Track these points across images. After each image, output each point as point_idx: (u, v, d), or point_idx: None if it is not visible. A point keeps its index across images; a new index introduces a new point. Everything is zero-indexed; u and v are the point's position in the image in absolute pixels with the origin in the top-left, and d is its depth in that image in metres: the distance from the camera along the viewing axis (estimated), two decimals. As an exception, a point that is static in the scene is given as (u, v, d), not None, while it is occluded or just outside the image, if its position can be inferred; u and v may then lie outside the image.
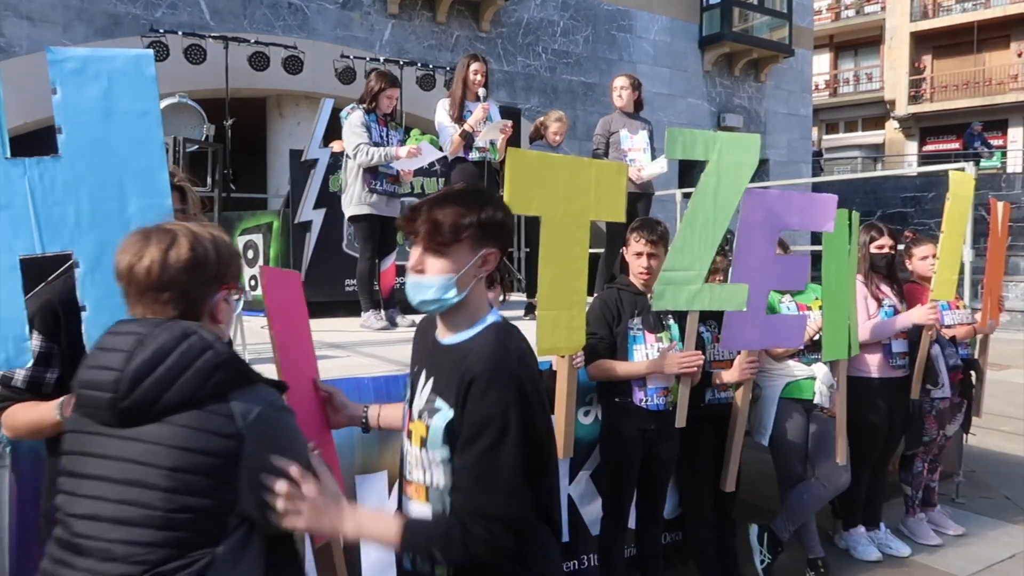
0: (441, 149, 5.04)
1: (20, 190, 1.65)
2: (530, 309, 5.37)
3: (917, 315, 3.84)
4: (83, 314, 1.74)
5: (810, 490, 3.69)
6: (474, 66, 5.04)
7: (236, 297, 1.54)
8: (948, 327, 4.19)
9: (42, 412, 1.82)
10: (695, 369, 3.07)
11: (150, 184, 1.82)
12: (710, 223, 3.01)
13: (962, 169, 5.29)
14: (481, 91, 5.02)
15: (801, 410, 3.72)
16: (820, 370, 3.64)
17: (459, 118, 5.00)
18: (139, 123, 1.80)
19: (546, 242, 2.72)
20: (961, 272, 5.06)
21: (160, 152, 1.84)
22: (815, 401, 3.65)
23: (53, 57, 1.69)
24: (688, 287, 2.99)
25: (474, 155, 5.04)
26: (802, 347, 3.60)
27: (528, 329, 2.80)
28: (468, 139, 4.96)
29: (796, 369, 3.72)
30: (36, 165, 1.69)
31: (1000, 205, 4.43)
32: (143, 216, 1.80)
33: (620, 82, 5.54)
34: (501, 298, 2.80)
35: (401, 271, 5.83)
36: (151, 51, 1.85)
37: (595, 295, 3.63)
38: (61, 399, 1.80)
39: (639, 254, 3.23)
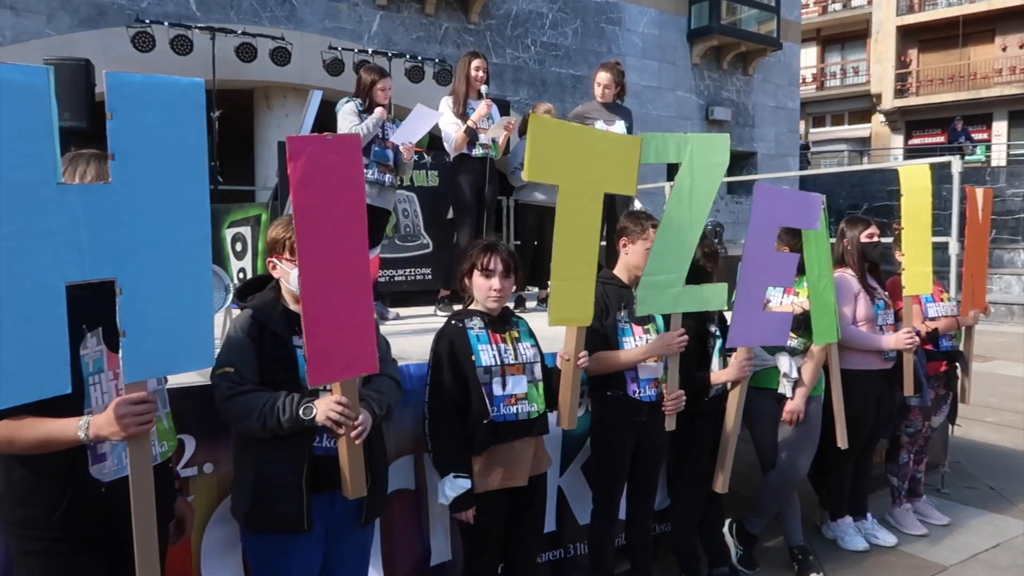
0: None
1: (69, 217, 1.62)
2: (545, 301, 5.48)
3: (895, 341, 3.86)
4: (122, 340, 1.74)
5: (769, 483, 3.72)
6: (475, 63, 5.10)
7: (286, 264, 2.30)
8: (932, 319, 4.22)
9: (55, 429, 1.77)
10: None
11: (194, 213, 1.82)
12: (687, 225, 3.01)
13: (948, 163, 5.34)
14: (483, 88, 5.07)
15: (773, 399, 3.71)
16: (783, 361, 3.64)
17: (462, 115, 5.04)
18: (187, 152, 1.79)
19: (563, 211, 2.70)
20: (947, 265, 5.13)
21: (204, 181, 1.84)
22: (779, 391, 3.66)
23: (112, 82, 1.66)
24: (670, 290, 3.00)
25: (477, 151, 5.09)
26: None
27: (542, 321, 2.83)
28: (472, 136, 4.99)
29: (760, 357, 3.67)
30: (87, 192, 1.68)
31: (980, 192, 4.40)
32: (187, 244, 1.81)
33: (603, 79, 5.49)
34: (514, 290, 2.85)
35: (385, 264, 5.82)
36: (202, 80, 1.81)
37: None
38: (86, 419, 1.76)
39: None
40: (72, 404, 1.80)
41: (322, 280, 2.05)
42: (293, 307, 2.33)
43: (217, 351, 2.17)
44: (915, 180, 3.84)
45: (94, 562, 1.96)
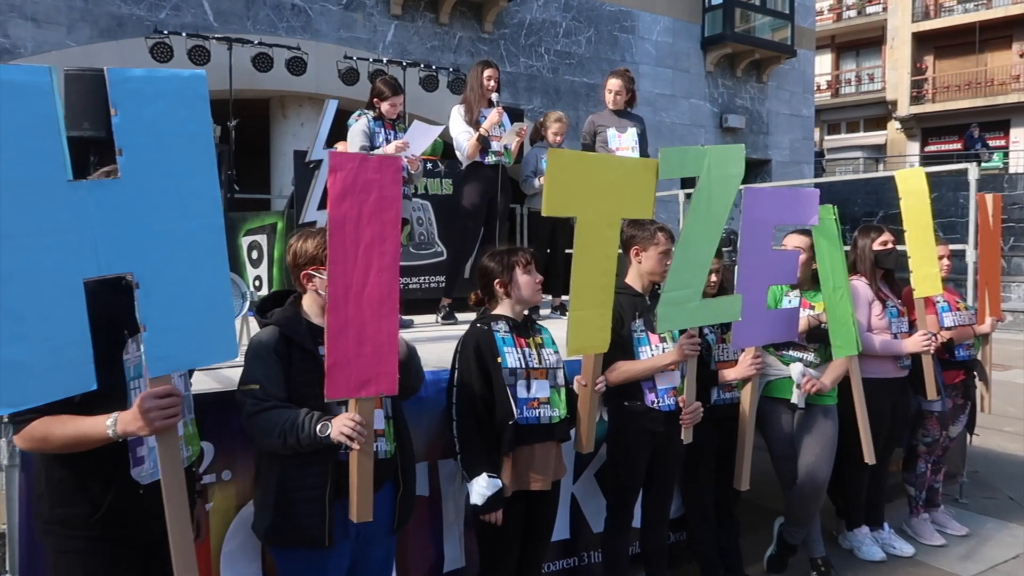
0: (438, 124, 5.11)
1: (82, 213, 1.63)
2: (559, 308, 5.64)
3: (911, 345, 3.84)
4: (143, 334, 1.74)
5: (793, 493, 3.70)
6: (487, 72, 5.16)
7: (321, 275, 2.27)
8: (949, 329, 4.18)
9: (86, 427, 1.80)
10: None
11: (205, 203, 1.83)
12: (704, 239, 3.02)
13: (964, 171, 5.31)
14: (494, 96, 5.12)
15: (787, 409, 3.69)
16: (795, 370, 3.61)
17: (474, 123, 5.09)
18: (193, 144, 1.80)
19: (581, 242, 2.71)
20: (964, 273, 5.09)
21: (213, 172, 1.85)
22: (792, 401, 3.63)
23: (113, 78, 1.67)
24: (688, 304, 3.00)
25: (489, 159, 5.13)
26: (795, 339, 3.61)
27: (558, 328, 2.85)
28: (484, 143, 5.03)
29: (774, 368, 3.68)
30: (98, 187, 1.68)
31: (989, 198, 4.37)
32: (200, 235, 1.82)
33: (614, 85, 5.54)
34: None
35: (400, 272, 5.82)
36: (203, 71, 1.82)
37: None
38: (113, 416, 1.78)
39: (667, 252, 3.23)
40: (116, 407, 1.83)
41: (349, 294, 2.07)
42: (316, 321, 2.34)
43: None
44: (912, 184, 3.85)
45: (130, 560, 2.02)
